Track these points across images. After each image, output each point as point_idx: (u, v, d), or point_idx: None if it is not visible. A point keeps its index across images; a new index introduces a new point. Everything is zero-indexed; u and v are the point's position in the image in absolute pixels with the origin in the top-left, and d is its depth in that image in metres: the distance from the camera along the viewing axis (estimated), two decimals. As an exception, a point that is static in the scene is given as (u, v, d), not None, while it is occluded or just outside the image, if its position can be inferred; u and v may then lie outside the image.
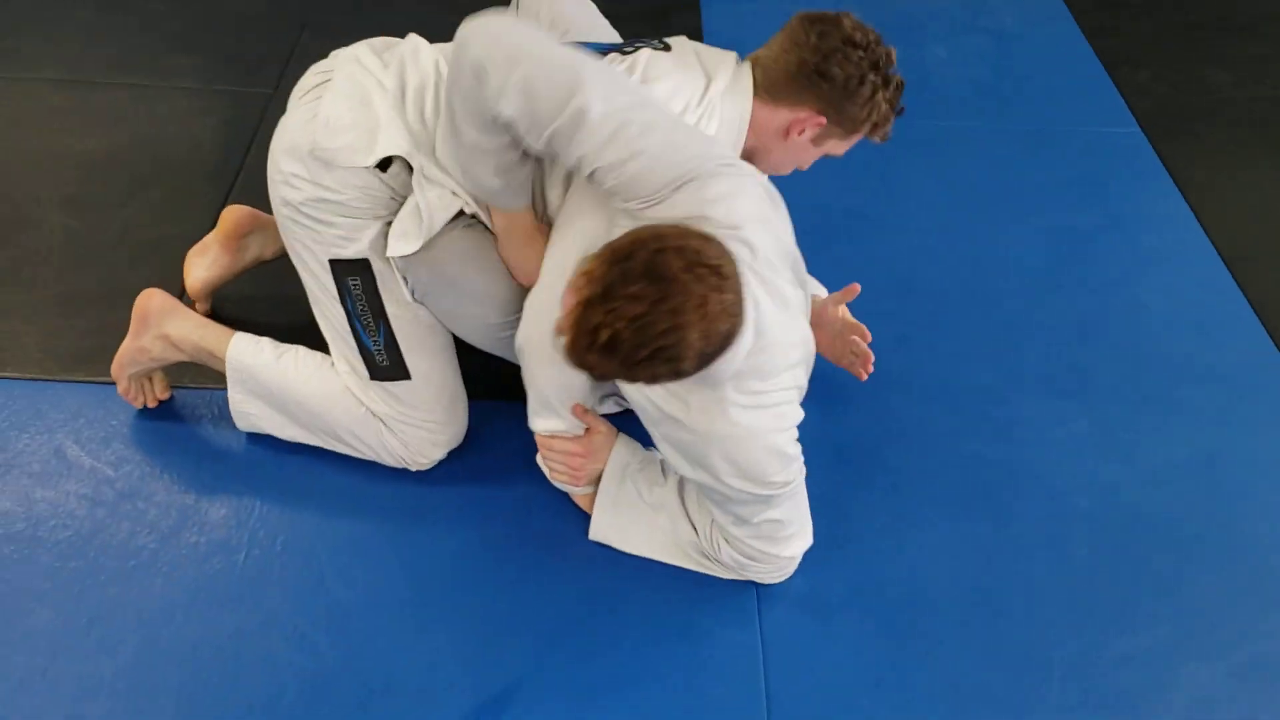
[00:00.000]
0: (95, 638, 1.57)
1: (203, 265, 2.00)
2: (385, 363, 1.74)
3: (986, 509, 1.84)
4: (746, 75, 1.69)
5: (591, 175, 1.49)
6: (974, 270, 2.30)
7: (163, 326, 1.81)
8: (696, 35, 2.90)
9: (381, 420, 1.77)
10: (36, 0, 2.89)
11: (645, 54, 1.67)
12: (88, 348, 1.98)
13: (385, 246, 1.66)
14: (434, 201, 1.61)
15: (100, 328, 1.99)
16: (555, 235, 1.63)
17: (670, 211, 1.44)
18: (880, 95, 1.68)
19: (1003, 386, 2.05)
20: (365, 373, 1.75)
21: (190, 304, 1.97)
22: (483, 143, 1.51)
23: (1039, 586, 1.73)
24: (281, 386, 1.78)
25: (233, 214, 2.01)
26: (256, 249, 2.03)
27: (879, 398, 1.98)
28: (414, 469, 1.81)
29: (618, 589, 1.69)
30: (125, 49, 2.76)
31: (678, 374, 1.33)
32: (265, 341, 1.81)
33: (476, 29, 1.49)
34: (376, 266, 1.69)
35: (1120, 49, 3.03)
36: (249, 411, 1.82)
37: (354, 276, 1.69)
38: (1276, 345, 2.16)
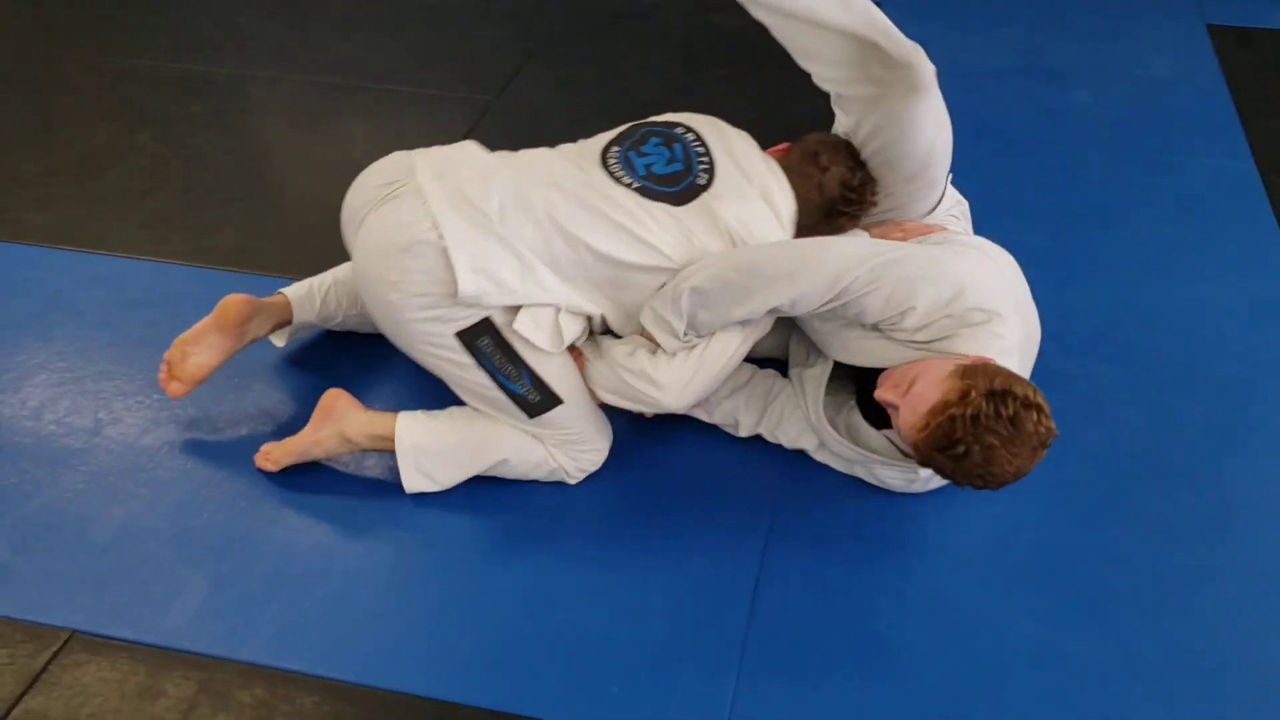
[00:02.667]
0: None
1: (202, 351, 2.09)
2: (537, 398, 1.90)
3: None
4: (786, 185, 2.01)
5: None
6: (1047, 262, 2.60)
7: (342, 424, 1.99)
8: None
9: (546, 445, 1.97)
10: (325, 24, 3.69)
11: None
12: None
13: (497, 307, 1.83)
14: (570, 325, 1.89)
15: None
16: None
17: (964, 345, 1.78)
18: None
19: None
20: (525, 416, 1.92)
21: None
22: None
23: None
24: (451, 444, 1.95)
25: (234, 302, 2.11)
26: (255, 331, 2.16)
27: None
28: (572, 482, 2.02)
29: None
30: (386, 63, 3.48)
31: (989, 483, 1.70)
32: (420, 414, 1.99)
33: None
34: (496, 320, 1.84)
35: (1259, 100, 3.22)
36: (418, 484, 1.98)
37: (481, 338, 1.84)
38: None
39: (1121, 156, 2.98)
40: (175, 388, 2.08)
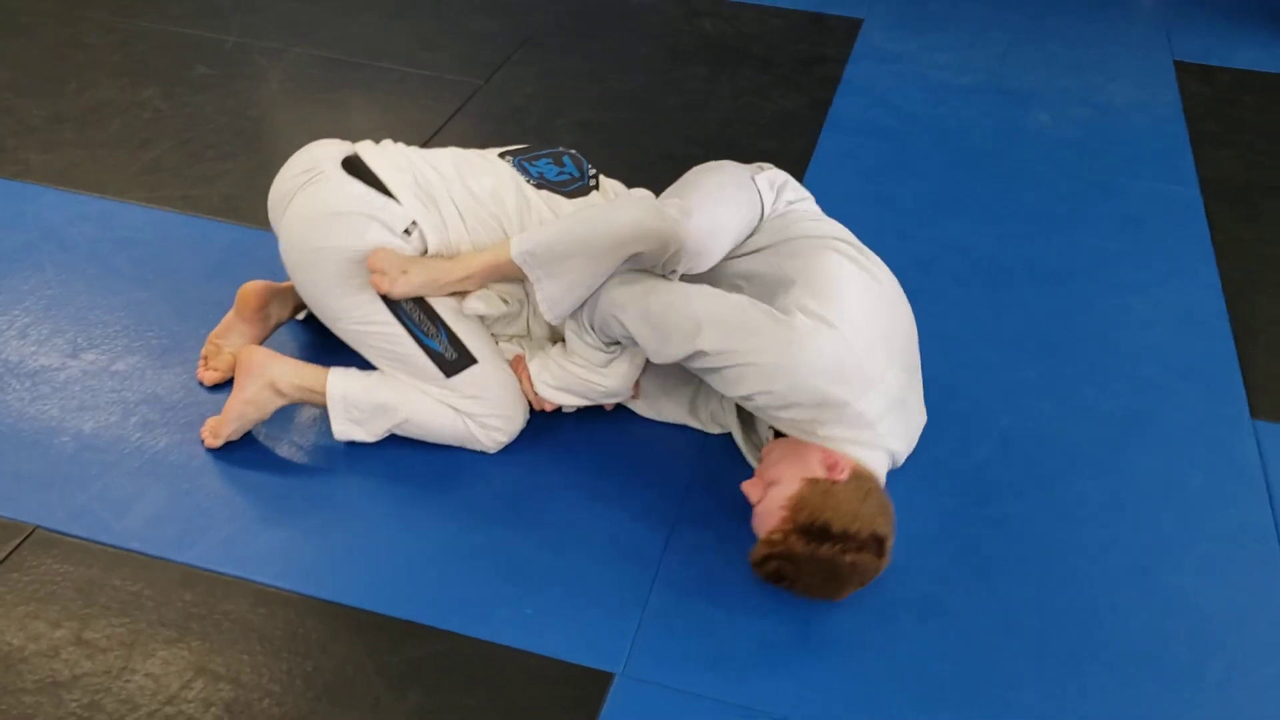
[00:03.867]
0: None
1: (232, 342, 2.23)
2: (453, 355, 2.01)
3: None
4: None
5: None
6: (986, 266, 2.75)
7: (268, 373, 2.05)
8: (833, 87, 3.51)
9: (463, 413, 2.05)
10: (334, 3, 3.86)
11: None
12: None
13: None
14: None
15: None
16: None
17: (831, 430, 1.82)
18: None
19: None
20: (442, 375, 2.02)
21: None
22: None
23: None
24: (378, 403, 2.04)
25: (252, 289, 2.23)
26: (277, 315, 2.27)
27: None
28: (490, 450, 2.10)
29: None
30: (387, 43, 3.64)
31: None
32: (353, 369, 2.08)
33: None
34: None
35: (1212, 132, 3.38)
36: (349, 432, 2.08)
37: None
38: (1245, 382, 2.42)
39: (1071, 175, 3.13)
40: (210, 375, 2.22)
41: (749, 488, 1.88)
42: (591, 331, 1.97)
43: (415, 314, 2.00)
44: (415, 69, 3.50)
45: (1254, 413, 2.31)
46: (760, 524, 1.84)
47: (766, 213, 2.01)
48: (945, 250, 2.78)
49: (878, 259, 1.99)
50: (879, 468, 1.87)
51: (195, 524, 1.96)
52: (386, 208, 1.98)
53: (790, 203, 2.03)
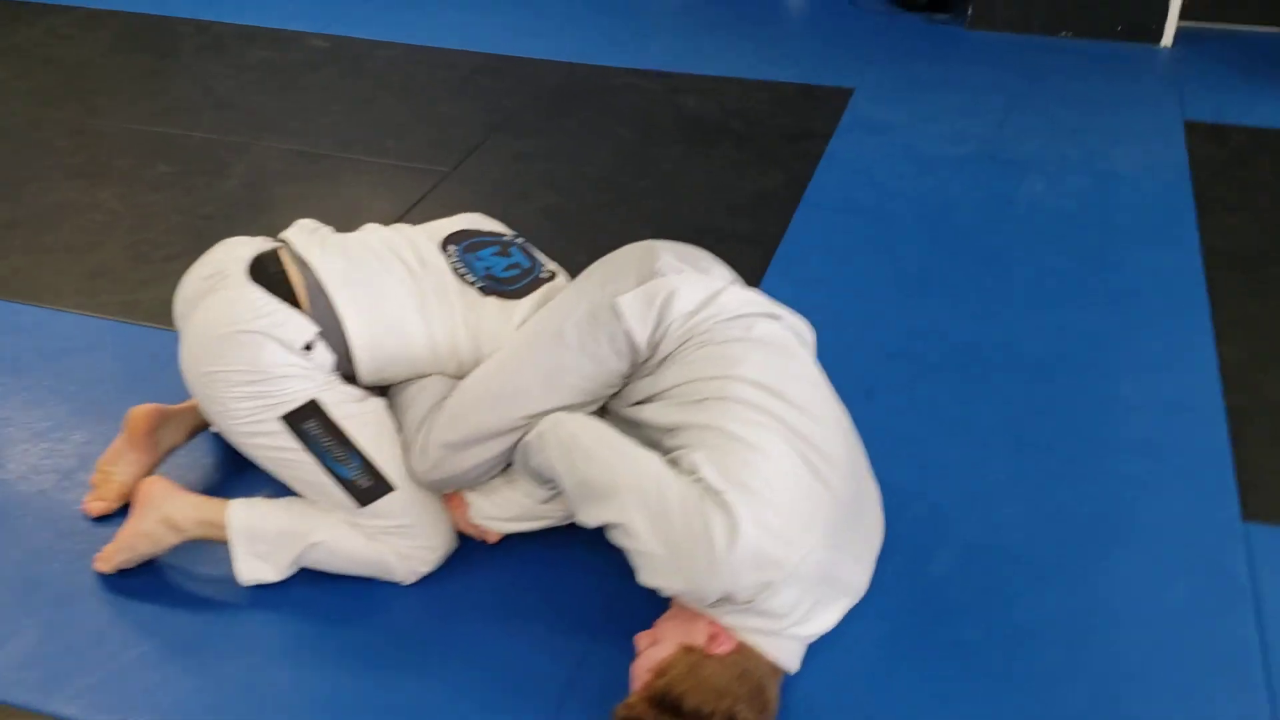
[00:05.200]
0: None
1: (121, 470, 2.07)
2: (368, 483, 1.84)
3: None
4: None
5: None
6: (960, 353, 2.54)
7: (164, 508, 1.91)
8: (815, 162, 3.35)
9: (379, 543, 1.89)
10: (305, 95, 3.80)
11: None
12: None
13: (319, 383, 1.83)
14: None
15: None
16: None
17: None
18: None
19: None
20: (354, 504, 1.85)
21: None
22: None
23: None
24: (286, 530, 1.88)
25: (141, 413, 2.07)
26: (169, 440, 2.12)
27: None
28: (405, 583, 1.93)
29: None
30: (356, 133, 3.56)
31: None
32: (257, 498, 1.93)
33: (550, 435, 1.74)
34: (322, 398, 1.82)
35: (1220, 196, 3.15)
36: (255, 571, 1.90)
37: (308, 420, 1.81)
38: (1237, 478, 2.17)
39: (1063, 248, 2.92)
40: (97, 506, 2.07)
41: (640, 637, 1.70)
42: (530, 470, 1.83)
43: (324, 440, 1.82)
44: (381, 158, 3.41)
45: (1245, 513, 2.07)
46: (632, 680, 1.66)
47: (642, 344, 1.77)
48: (917, 337, 2.58)
49: (805, 370, 1.78)
50: (784, 655, 1.68)
51: (63, 666, 1.82)
52: (288, 322, 1.82)
53: (691, 313, 1.78)
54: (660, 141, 3.52)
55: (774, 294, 2.72)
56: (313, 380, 1.82)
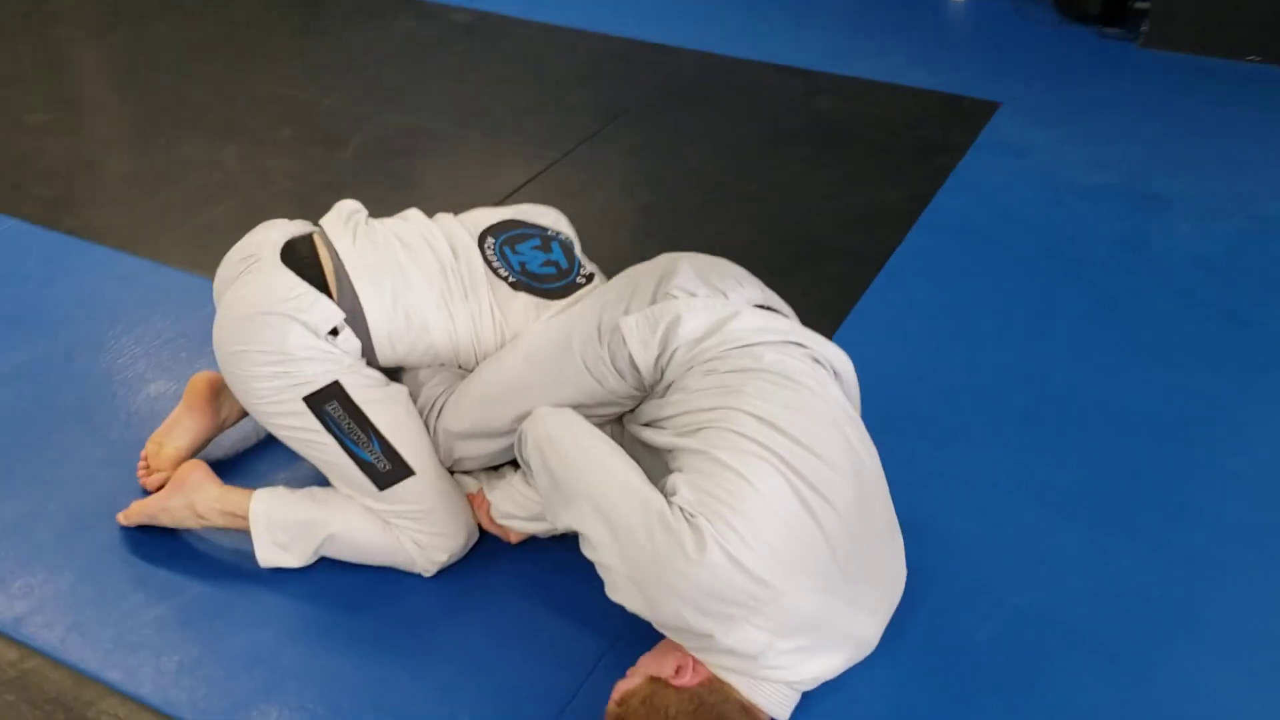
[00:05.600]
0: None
1: (176, 439, 2.07)
2: (387, 467, 1.83)
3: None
4: None
5: None
6: (1057, 402, 2.35)
7: (192, 495, 1.94)
8: (942, 178, 3.16)
9: (398, 527, 1.87)
10: (442, 70, 3.81)
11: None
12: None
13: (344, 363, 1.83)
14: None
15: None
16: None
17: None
18: None
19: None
20: (374, 488, 1.84)
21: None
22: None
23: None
24: (302, 519, 1.88)
25: (203, 379, 2.10)
26: (229, 410, 2.13)
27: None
28: (426, 574, 1.90)
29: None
30: (480, 110, 3.55)
31: None
32: (279, 488, 1.94)
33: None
34: (345, 381, 1.81)
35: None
36: (275, 558, 1.91)
37: (329, 401, 1.80)
38: None
39: (1199, 299, 2.66)
40: (153, 480, 2.06)
41: (633, 668, 1.63)
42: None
43: (344, 421, 1.82)
44: (495, 138, 3.39)
45: (1345, 623, 1.84)
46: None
47: (645, 368, 1.71)
48: (1012, 379, 2.40)
49: (815, 403, 1.64)
50: (764, 698, 1.57)
51: (84, 617, 1.86)
52: (314, 306, 1.82)
53: (697, 340, 1.68)
54: (784, 144, 3.39)
55: (867, 319, 2.65)
56: (337, 364, 1.82)
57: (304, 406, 1.80)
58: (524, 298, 1.90)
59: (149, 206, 3.02)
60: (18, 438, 2.22)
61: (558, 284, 1.94)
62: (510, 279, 1.92)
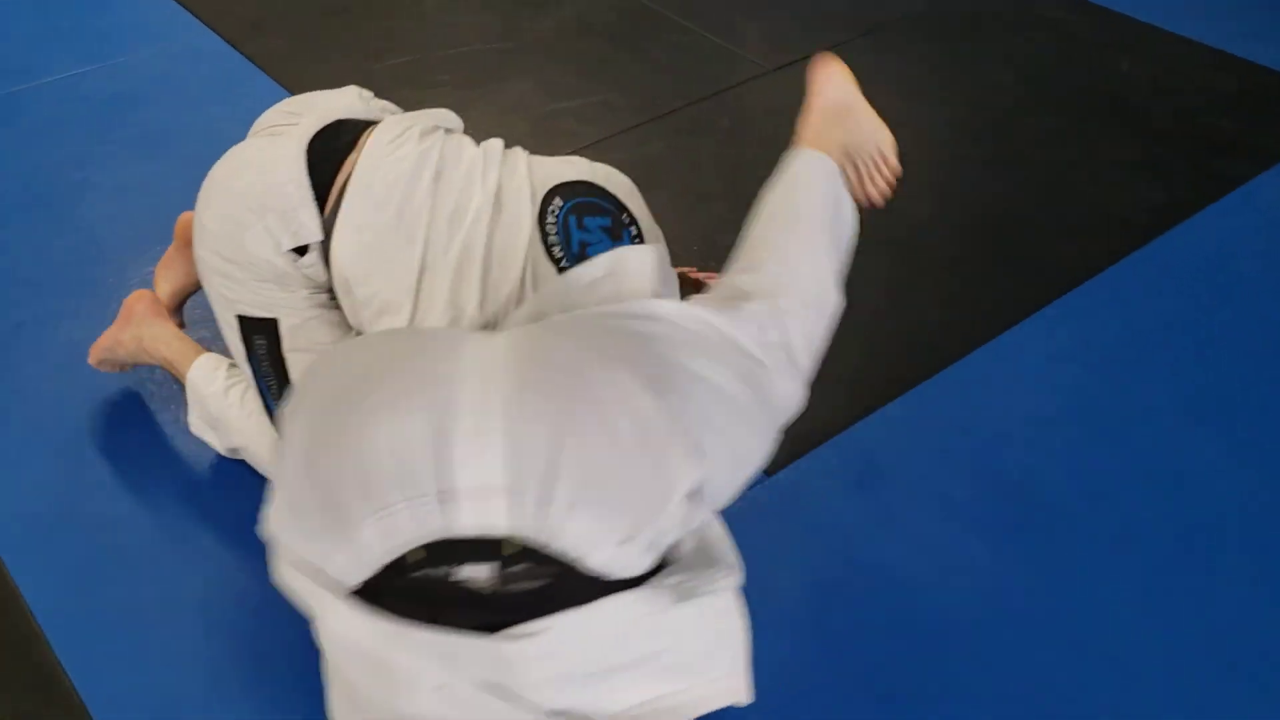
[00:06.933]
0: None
1: (169, 277, 1.96)
2: None
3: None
4: None
5: None
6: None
7: (140, 329, 1.84)
8: (1229, 187, 2.50)
9: None
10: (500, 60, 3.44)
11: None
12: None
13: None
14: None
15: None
16: None
17: None
18: None
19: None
20: (275, 434, 1.66)
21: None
22: None
23: None
24: (222, 419, 1.75)
25: (186, 220, 1.92)
26: None
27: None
28: None
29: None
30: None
31: None
32: (222, 369, 1.76)
33: None
34: (285, 323, 1.60)
35: None
36: (202, 431, 1.81)
37: (258, 335, 1.61)
38: None
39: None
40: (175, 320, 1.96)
41: None
42: None
43: (264, 363, 1.62)
44: (713, 35, 3.02)
45: None
46: None
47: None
48: (1164, 477, 1.84)
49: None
50: None
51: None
52: (291, 214, 1.53)
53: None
54: (1046, 109, 2.78)
55: (1021, 347, 2.10)
56: (288, 292, 1.58)
57: (236, 321, 1.61)
58: (553, 286, 1.47)
59: (344, 56, 2.92)
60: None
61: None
62: (563, 262, 1.48)
